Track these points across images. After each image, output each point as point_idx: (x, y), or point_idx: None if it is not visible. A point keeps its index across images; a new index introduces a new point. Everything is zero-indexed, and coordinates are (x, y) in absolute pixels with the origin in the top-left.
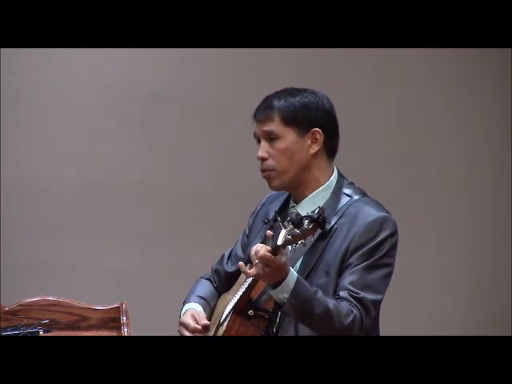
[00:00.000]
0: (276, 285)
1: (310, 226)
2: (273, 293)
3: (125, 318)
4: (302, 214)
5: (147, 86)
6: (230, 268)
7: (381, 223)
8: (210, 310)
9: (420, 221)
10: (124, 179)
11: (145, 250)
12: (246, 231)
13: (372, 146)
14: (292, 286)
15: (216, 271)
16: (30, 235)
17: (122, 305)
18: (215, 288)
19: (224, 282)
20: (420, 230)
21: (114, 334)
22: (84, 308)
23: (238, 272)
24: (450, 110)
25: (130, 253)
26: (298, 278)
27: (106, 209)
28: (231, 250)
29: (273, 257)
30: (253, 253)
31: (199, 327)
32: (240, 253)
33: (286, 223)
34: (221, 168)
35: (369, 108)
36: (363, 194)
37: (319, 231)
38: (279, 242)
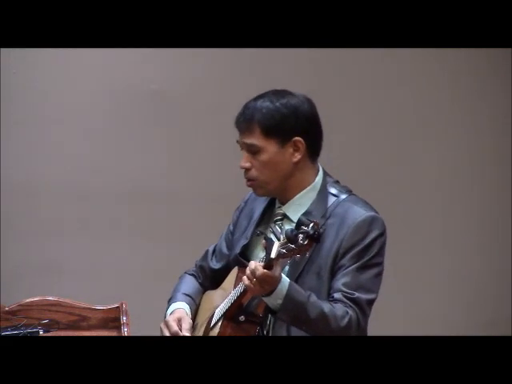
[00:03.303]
0: (270, 292)
1: (306, 242)
2: (266, 300)
3: (125, 318)
4: (290, 216)
5: (147, 86)
6: (215, 265)
7: (370, 223)
8: (196, 307)
9: (422, 221)
10: (124, 179)
11: (145, 249)
12: (231, 228)
13: (375, 145)
14: (285, 291)
15: (201, 267)
16: (30, 235)
17: (122, 305)
18: (200, 284)
19: (209, 278)
20: (421, 231)
21: (114, 333)
22: (84, 308)
23: (223, 269)
24: (450, 111)
25: (130, 253)
26: (290, 283)
27: (105, 209)
28: (215, 246)
29: (270, 273)
30: (249, 272)
31: (180, 334)
32: (225, 249)
33: (274, 230)
34: (221, 168)
35: (369, 108)
36: (349, 192)
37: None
38: (272, 255)
